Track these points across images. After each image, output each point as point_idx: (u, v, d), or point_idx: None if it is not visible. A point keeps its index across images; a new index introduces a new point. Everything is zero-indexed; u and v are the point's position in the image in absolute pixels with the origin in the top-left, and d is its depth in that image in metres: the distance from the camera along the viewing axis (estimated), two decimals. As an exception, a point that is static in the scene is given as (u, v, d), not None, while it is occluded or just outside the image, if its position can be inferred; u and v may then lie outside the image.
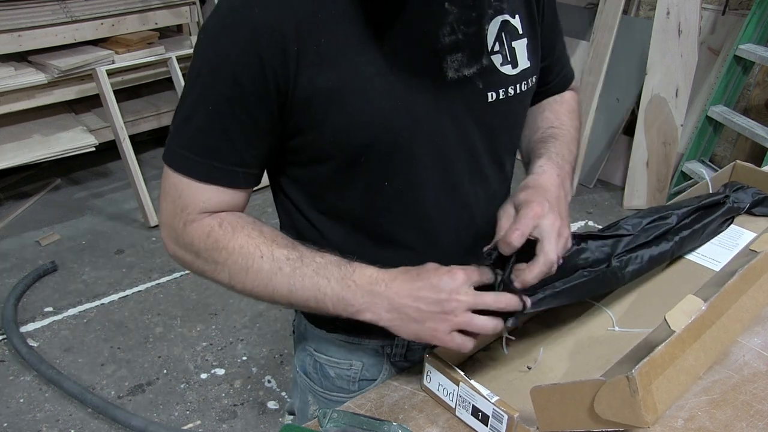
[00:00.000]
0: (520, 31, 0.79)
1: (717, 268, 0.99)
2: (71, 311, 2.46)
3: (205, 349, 2.28)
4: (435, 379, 0.78)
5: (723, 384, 0.81)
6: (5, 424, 1.94)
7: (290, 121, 0.71)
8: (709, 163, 3.18)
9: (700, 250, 1.04)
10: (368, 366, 0.91)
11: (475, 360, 0.84)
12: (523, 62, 0.79)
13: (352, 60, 0.69)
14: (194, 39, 3.19)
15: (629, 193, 3.27)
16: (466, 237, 0.83)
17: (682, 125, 3.09)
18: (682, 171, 3.20)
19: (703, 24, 3.05)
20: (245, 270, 0.73)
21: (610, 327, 0.89)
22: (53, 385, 2.08)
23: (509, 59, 0.78)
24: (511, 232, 0.69)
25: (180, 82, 3.07)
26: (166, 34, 3.43)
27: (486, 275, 0.73)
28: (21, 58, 2.91)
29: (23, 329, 2.34)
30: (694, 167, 3.13)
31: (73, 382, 2.06)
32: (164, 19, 3.28)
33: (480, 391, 0.72)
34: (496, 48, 0.76)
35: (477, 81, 0.75)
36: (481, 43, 0.75)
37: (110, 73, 2.88)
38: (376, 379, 0.91)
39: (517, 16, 0.79)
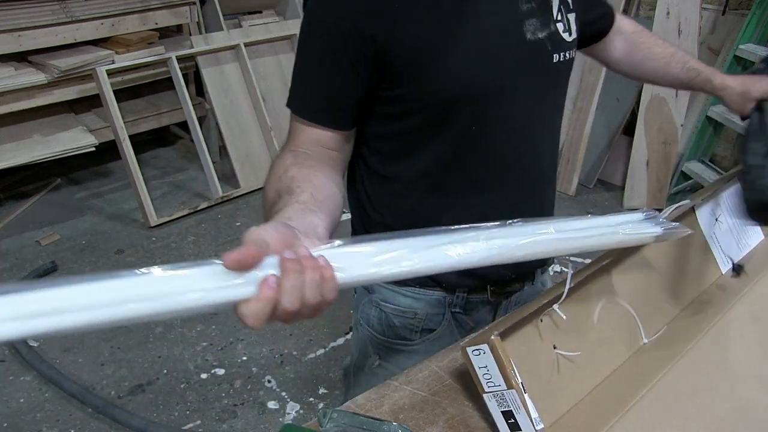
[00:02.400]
0: (571, 6, 0.94)
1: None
2: (71, 311, 2.45)
3: (205, 349, 2.28)
4: (484, 360, 0.70)
5: (723, 384, 0.81)
6: (5, 424, 1.94)
7: (389, 74, 0.83)
8: (709, 163, 3.18)
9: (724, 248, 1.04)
10: (431, 316, 1.02)
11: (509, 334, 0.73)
12: (575, 32, 0.94)
13: (448, 20, 0.81)
14: (194, 39, 3.20)
15: (629, 193, 3.27)
16: (535, 177, 0.98)
17: (682, 125, 3.09)
18: (682, 171, 3.20)
19: (703, 24, 3.05)
20: None
21: (644, 340, 0.86)
22: (53, 385, 2.08)
23: (567, 28, 0.92)
24: None
25: (180, 81, 3.07)
26: (166, 34, 3.43)
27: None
28: (21, 58, 2.90)
29: (23, 329, 2.33)
30: (694, 167, 3.13)
31: (73, 382, 2.06)
32: (164, 19, 3.28)
33: (530, 412, 0.69)
34: (558, 17, 0.91)
35: (547, 43, 0.89)
36: (549, 11, 0.90)
37: (110, 73, 2.88)
38: (435, 330, 1.02)
39: None
